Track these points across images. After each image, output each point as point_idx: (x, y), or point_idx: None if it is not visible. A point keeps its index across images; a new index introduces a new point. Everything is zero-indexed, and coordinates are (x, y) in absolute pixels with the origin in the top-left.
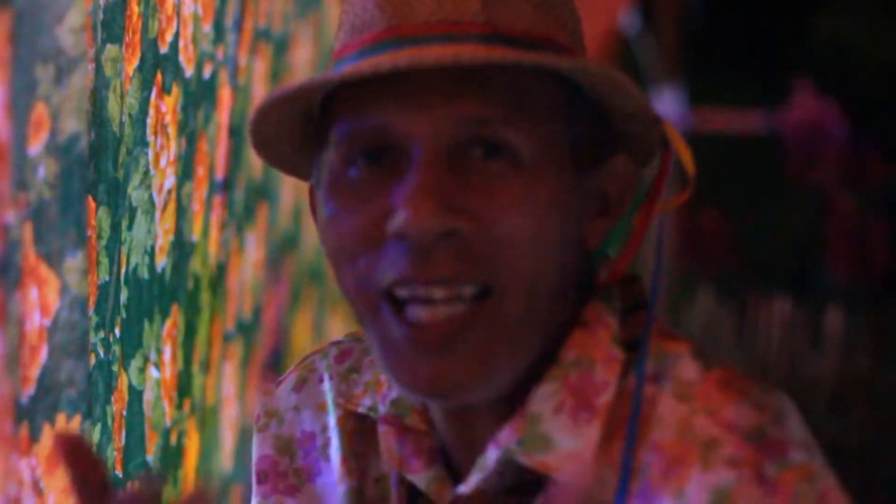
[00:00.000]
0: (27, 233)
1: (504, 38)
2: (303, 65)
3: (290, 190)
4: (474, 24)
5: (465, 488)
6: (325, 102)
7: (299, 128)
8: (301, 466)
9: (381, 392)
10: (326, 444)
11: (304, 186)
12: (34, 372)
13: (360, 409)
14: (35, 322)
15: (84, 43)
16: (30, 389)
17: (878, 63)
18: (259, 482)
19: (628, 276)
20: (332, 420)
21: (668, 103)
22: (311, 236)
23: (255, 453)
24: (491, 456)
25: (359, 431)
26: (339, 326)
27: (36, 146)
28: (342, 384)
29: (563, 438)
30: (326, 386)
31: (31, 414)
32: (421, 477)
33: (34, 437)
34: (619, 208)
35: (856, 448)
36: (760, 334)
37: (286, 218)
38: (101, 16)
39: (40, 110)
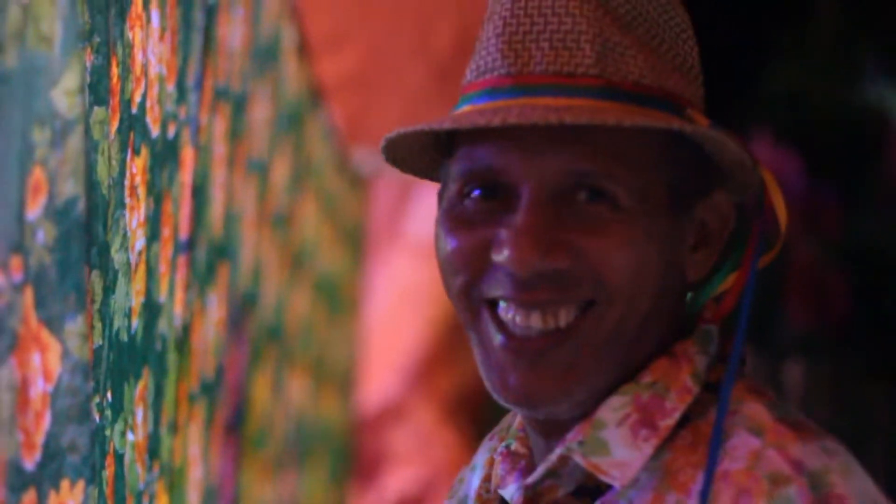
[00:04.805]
0: (28, 298)
1: (615, 92)
2: (261, 123)
3: (250, 249)
4: (587, 76)
5: (530, 479)
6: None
7: (428, 147)
8: None
9: None
10: None
11: (263, 245)
12: (39, 438)
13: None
14: (39, 388)
15: (79, 105)
16: (36, 456)
17: (834, 113)
18: None
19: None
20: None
21: None
22: (270, 295)
23: None
24: (556, 452)
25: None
26: (298, 384)
27: (35, 210)
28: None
29: (618, 447)
30: (486, 445)
31: (38, 480)
32: (509, 490)
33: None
34: (719, 239)
35: None
36: None
37: (246, 277)
38: (87, 78)
39: (38, 174)
